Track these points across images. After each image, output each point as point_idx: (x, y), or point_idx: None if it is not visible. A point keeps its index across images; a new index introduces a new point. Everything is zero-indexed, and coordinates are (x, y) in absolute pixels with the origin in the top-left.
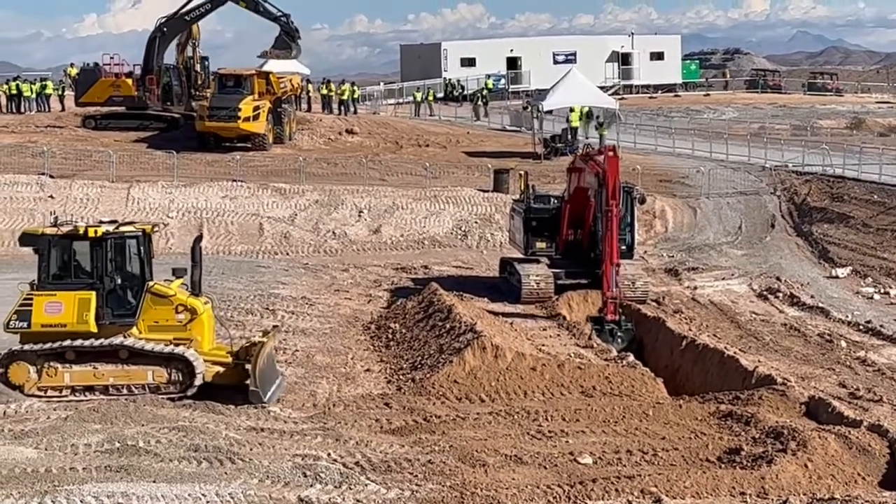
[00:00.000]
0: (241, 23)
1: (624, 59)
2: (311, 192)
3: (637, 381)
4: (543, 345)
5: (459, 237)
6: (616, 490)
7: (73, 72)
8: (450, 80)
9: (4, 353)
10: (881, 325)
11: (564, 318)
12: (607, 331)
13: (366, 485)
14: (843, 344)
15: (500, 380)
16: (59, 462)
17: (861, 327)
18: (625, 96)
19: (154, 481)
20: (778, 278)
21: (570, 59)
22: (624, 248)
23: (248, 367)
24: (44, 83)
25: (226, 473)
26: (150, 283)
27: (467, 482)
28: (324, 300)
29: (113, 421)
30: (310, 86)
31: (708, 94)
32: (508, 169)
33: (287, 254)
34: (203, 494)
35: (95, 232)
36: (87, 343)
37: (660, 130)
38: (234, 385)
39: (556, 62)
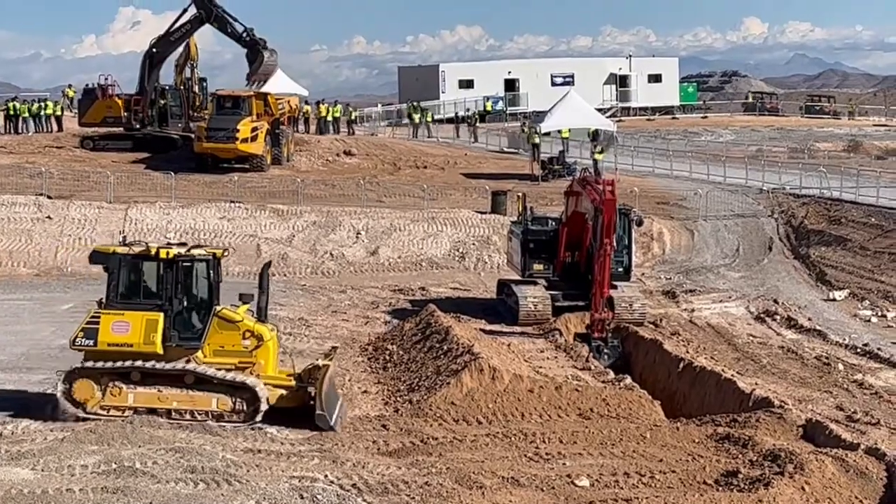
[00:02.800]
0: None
1: (622, 82)
2: (308, 213)
3: (634, 403)
4: (541, 367)
5: (457, 259)
6: None
7: (71, 93)
8: (413, 103)
9: (70, 370)
10: (878, 348)
11: (562, 334)
12: (594, 348)
13: None
14: (841, 367)
15: (497, 402)
16: (56, 483)
17: (858, 350)
18: (622, 118)
19: (151, 503)
20: (775, 301)
21: (568, 81)
22: (621, 270)
23: (311, 389)
24: (44, 103)
25: (223, 495)
26: (218, 308)
27: None
28: (321, 321)
29: (110, 442)
30: (307, 107)
31: (706, 117)
32: (506, 191)
33: (284, 275)
34: None
35: (167, 254)
36: (156, 366)
37: (657, 153)
38: (297, 407)
39: (553, 84)
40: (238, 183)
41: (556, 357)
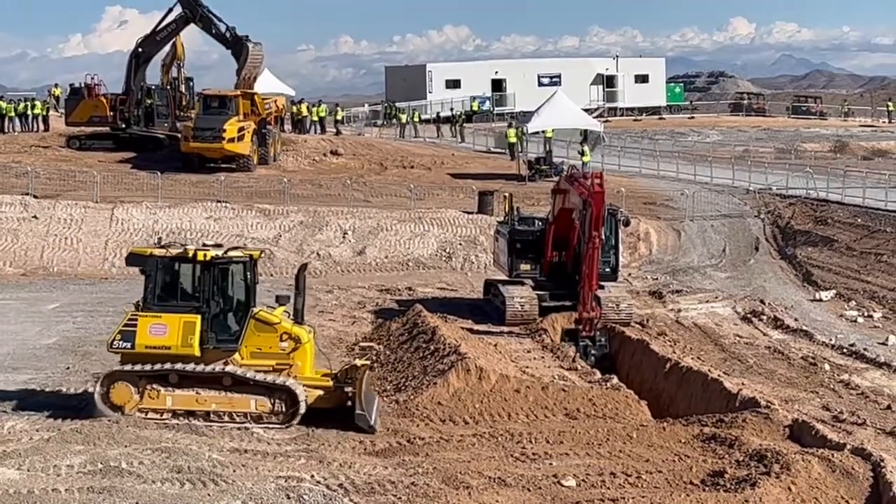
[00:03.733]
0: None
1: (609, 82)
2: (295, 213)
3: (621, 403)
4: (527, 367)
5: (444, 259)
6: None
7: (58, 92)
8: (388, 102)
9: (107, 373)
10: (865, 349)
11: (549, 334)
12: (581, 347)
13: None
14: (827, 367)
15: (484, 402)
16: (42, 483)
17: (845, 350)
18: (609, 119)
19: (137, 503)
20: (762, 301)
21: (555, 81)
22: (608, 270)
23: (348, 389)
24: (31, 103)
25: (209, 495)
26: (255, 310)
27: None
28: (308, 321)
29: (96, 442)
30: (294, 107)
31: (692, 117)
32: (493, 191)
33: (271, 275)
34: None
35: (205, 255)
36: (195, 368)
37: (644, 153)
38: (334, 408)
39: (540, 84)
40: (225, 183)
41: (542, 357)
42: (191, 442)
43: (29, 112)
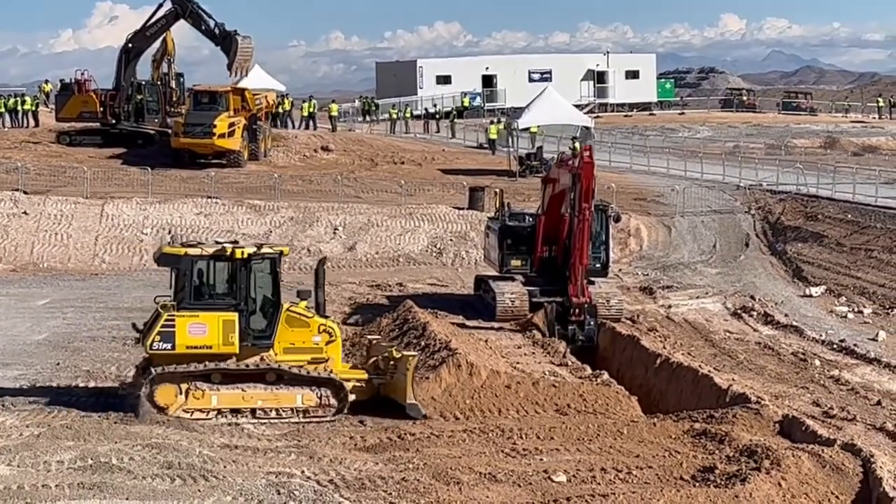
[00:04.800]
0: None
1: (599, 78)
2: (286, 208)
3: (611, 399)
4: (518, 363)
5: (434, 254)
6: None
7: (48, 88)
8: (367, 98)
9: (153, 375)
10: (855, 344)
11: (539, 330)
12: (570, 330)
13: (339, 503)
14: (817, 363)
15: (474, 397)
16: (32, 479)
17: (835, 346)
18: (600, 115)
19: (127, 499)
20: (752, 297)
21: (546, 77)
22: (599, 266)
23: (381, 380)
24: (21, 99)
25: (199, 491)
26: (287, 306)
27: (441, 500)
28: None
29: (86, 438)
30: (285, 101)
31: (683, 113)
32: (483, 186)
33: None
34: None
35: (242, 253)
36: (240, 365)
37: (635, 149)
38: (368, 400)
39: (531, 80)
40: (215, 178)
41: (533, 353)
42: (181, 438)
43: (19, 108)
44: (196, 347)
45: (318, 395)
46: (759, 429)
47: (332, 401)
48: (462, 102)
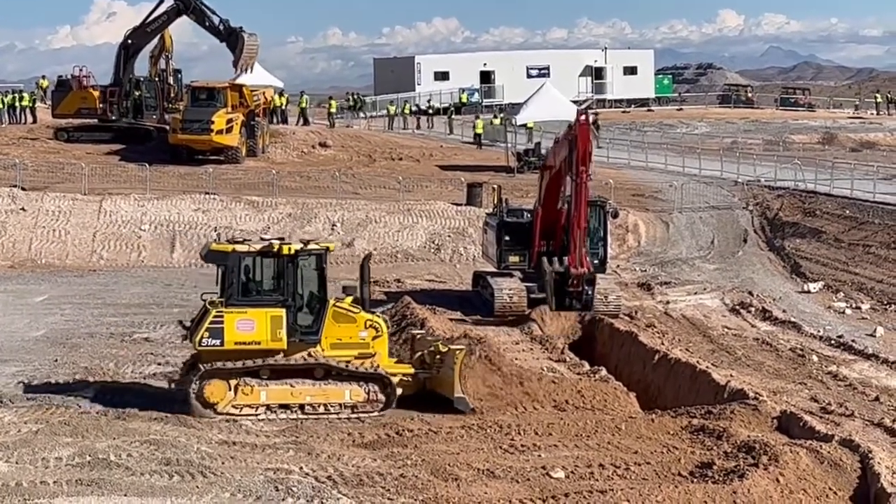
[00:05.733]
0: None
1: (597, 74)
2: (284, 205)
3: (609, 395)
4: (516, 359)
5: (432, 251)
6: None
7: (45, 84)
8: (354, 94)
9: (202, 371)
10: (853, 340)
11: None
12: (567, 300)
13: (338, 499)
14: (815, 358)
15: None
16: (30, 476)
17: (833, 342)
18: (598, 111)
19: (125, 495)
20: (750, 293)
21: (544, 73)
22: (597, 262)
23: (427, 374)
24: (19, 95)
25: (197, 487)
26: (333, 301)
27: (440, 496)
28: None
29: (84, 434)
30: (281, 98)
31: (681, 109)
32: (481, 183)
33: None
34: None
35: (289, 249)
36: (289, 361)
37: (633, 145)
38: (413, 394)
39: (529, 76)
40: (213, 175)
41: (531, 349)
42: (179, 434)
43: (16, 104)
44: (244, 343)
45: (366, 390)
46: (757, 425)
47: (380, 396)
48: (460, 99)
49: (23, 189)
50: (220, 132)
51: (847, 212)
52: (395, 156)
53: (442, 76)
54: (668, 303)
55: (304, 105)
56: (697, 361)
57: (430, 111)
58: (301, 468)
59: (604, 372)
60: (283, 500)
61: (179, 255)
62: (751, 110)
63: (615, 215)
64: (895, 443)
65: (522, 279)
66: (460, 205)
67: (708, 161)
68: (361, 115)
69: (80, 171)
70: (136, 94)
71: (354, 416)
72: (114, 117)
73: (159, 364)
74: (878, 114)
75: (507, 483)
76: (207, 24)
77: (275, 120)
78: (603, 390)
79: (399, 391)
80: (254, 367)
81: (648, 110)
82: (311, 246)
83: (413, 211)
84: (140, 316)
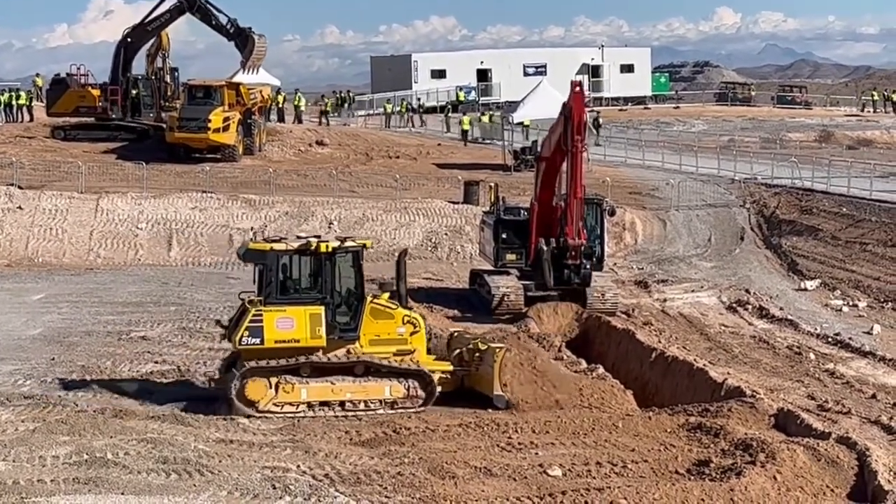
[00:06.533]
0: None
1: (594, 72)
2: (281, 203)
3: (607, 393)
4: None
5: (430, 249)
6: (585, 502)
7: (40, 82)
8: (340, 91)
9: (243, 370)
10: (849, 338)
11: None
12: (567, 275)
13: (335, 497)
14: (812, 356)
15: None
16: (27, 474)
17: (830, 340)
18: (595, 108)
19: (123, 493)
20: (747, 291)
21: (541, 71)
22: (594, 260)
23: (464, 372)
24: (15, 93)
25: (195, 485)
26: (371, 298)
27: (437, 494)
28: None
29: (81, 433)
30: (279, 96)
31: (678, 107)
32: (479, 181)
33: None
34: None
35: (327, 247)
36: (331, 357)
37: (630, 143)
38: (451, 391)
39: (526, 74)
40: (210, 173)
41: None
42: (176, 432)
43: (13, 103)
44: (284, 342)
45: (406, 386)
46: (755, 422)
47: (420, 392)
48: (457, 97)
49: (19, 188)
50: (216, 130)
51: (844, 209)
52: (392, 154)
53: (439, 74)
54: (665, 301)
55: (297, 102)
56: (694, 359)
57: (420, 109)
58: (298, 466)
59: (601, 370)
60: (281, 498)
61: (176, 254)
62: (748, 108)
63: (612, 213)
64: (892, 440)
65: (520, 277)
66: (457, 203)
67: (705, 159)
68: (348, 113)
69: (77, 169)
70: (133, 92)
71: (394, 412)
72: (115, 115)
73: (156, 362)
74: (874, 111)
75: (505, 481)
76: (214, 22)
77: (272, 118)
78: (600, 388)
79: (439, 388)
80: (294, 364)
81: (645, 108)
82: (348, 243)
83: (410, 209)
84: (137, 314)
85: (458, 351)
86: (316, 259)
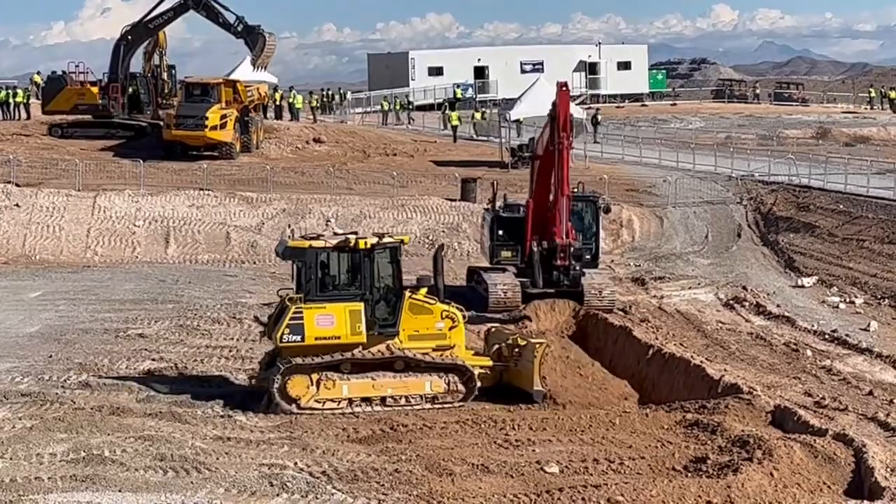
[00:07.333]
0: (210, 32)
1: (591, 69)
2: (278, 200)
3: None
4: None
5: (427, 246)
6: (582, 499)
7: (38, 80)
8: (332, 90)
9: (286, 367)
10: (846, 335)
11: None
12: (556, 276)
13: (332, 494)
14: (809, 353)
15: None
16: (24, 472)
17: (826, 336)
18: (592, 106)
19: (120, 491)
20: (744, 287)
21: (538, 68)
22: (588, 257)
23: (502, 367)
24: (13, 91)
25: (192, 483)
26: (410, 293)
27: (434, 491)
28: None
29: (78, 430)
30: (276, 94)
31: (675, 104)
32: (476, 178)
33: (254, 262)
34: None
35: (366, 243)
36: (373, 353)
37: (627, 140)
38: (491, 387)
39: (523, 71)
40: (207, 171)
41: None
42: (174, 430)
43: (10, 100)
44: (325, 338)
45: (446, 381)
46: (751, 419)
47: (461, 387)
48: (454, 94)
49: (17, 185)
50: (214, 128)
51: (841, 206)
52: (389, 151)
53: (436, 71)
54: (662, 298)
55: (292, 100)
56: (691, 356)
57: (409, 107)
58: (295, 463)
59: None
60: (278, 495)
61: (174, 251)
62: (745, 105)
63: (607, 210)
64: (889, 437)
65: (517, 274)
66: (454, 200)
67: (702, 156)
68: (339, 110)
69: (75, 167)
70: (130, 90)
71: (435, 407)
72: (115, 113)
73: (154, 360)
74: (871, 108)
75: (502, 478)
76: (221, 20)
77: (269, 116)
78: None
79: (478, 384)
80: (336, 360)
81: (642, 105)
82: (386, 239)
83: (407, 206)
84: (134, 312)
85: (496, 346)
86: (354, 256)
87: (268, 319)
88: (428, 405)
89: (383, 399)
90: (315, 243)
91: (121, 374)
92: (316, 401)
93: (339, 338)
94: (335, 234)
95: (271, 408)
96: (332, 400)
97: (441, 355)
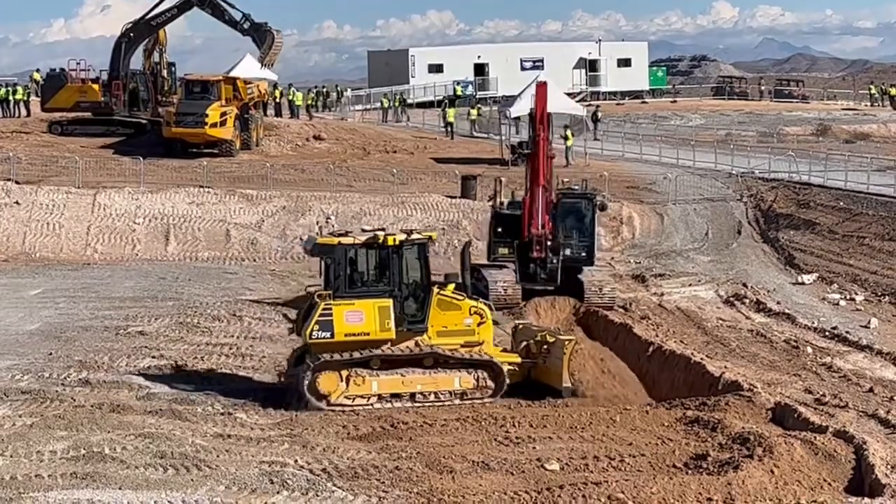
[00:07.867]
0: (210, 29)
1: (591, 66)
2: (278, 198)
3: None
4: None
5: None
6: (583, 496)
7: (38, 77)
8: (327, 87)
9: (316, 363)
10: (847, 332)
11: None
12: (532, 269)
13: (332, 491)
14: (809, 350)
15: None
16: (25, 469)
17: (827, 333)
18: (592, 103)
19: (120, 488)
20: (744, 284)
21: (538, 65)
22: (584, 255)
23: (531, 363)
24: (13, 88)
25: (192, 480)
26: (438, 290)
27: (434, 489)
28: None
29: (79, 428)
30: (276, 91)
31: (675, 101)
32: (476, 175)
33: (254, 260)
34: (169, 502)
35: (394, 240)
36: (403, 350)
37: (627, 137)
38: (519, 383)
39: (523, 69)
40: (207, 168)
41: None
42: (174, 427)
43: (10, 98)
44: (354, 335)
45: (476, 377)
46: (752, 416)
47: (490, 383)
48: (454, 91)
49: (16, 182)
50: (214, 125)
51: (841, 203)
52: (389, 148)
53: (436, 69)
54: (662, 295)
55: (291, 97)
56: (692, 353)
57: (399, 104)
58: (296, 461)
59: None
60: (278, 492)
61: (174, 249)
62: (745, 102)
63: (603, 208)
64: (889, 434)
65: (517, 271)
66: (455, 197)
67: (702, 153)
68: (336, 107)
69: (74, 164)
70: (131, 87)
71: (464, 402)
72: (117, 110)
73: (154, 357)
74: (872, 105)
75: (502, 475)
76: (227, 17)
77: (268, 113)
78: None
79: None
80: (365, 357)
81: (643, 102)
82: (415, 236)
83: (407, 203)
84: (135, 309)
85: (524, 343)
86: (383, 252)
87: (297, 316)
88: (457, 401)
89: (412, 395)
90: (344, 240)
91: (121, 371)
92: (346, 397)
93: (368, 334)
94: (363, 230)
95: (301, 405)
96: (361, 396)
97: (470, 352)
